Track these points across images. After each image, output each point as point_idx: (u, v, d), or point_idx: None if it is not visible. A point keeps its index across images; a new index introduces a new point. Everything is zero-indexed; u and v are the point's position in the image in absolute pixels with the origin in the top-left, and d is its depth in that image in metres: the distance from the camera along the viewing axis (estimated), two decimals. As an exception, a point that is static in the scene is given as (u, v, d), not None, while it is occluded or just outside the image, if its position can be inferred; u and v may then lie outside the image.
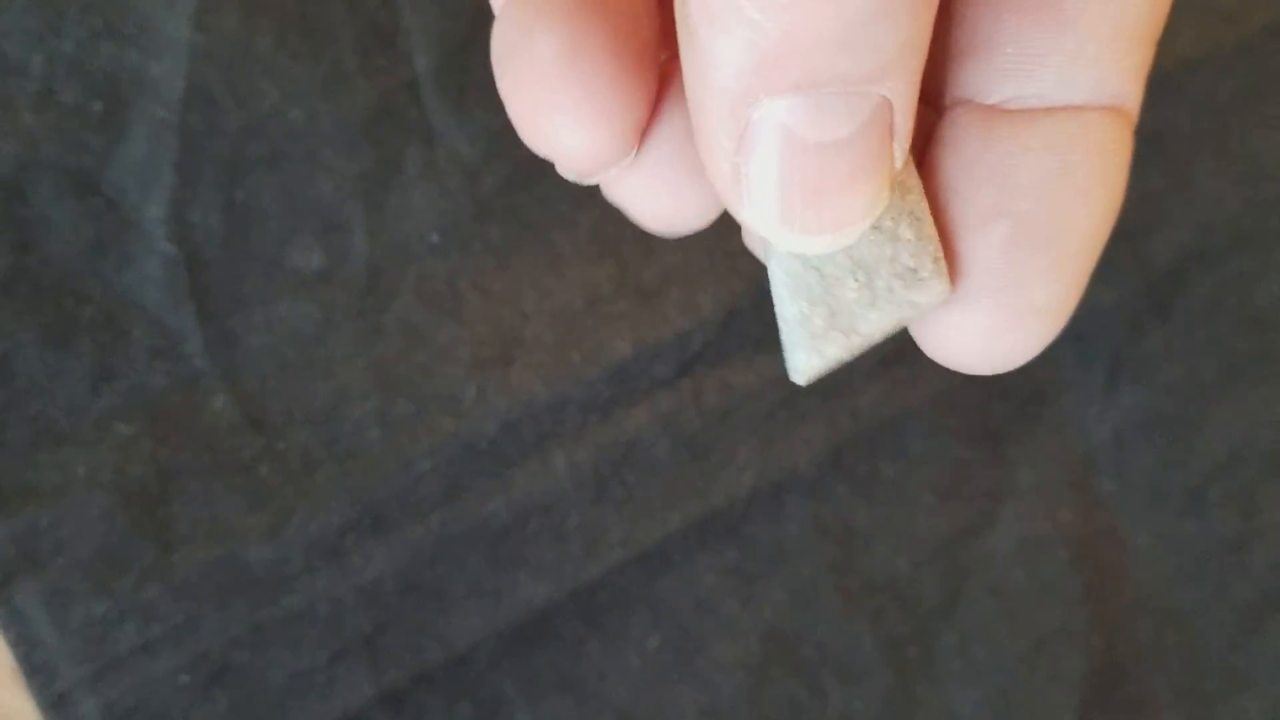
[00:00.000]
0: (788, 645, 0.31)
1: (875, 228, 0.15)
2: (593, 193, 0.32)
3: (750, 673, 0.31)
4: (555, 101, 0.15)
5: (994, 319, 0.16)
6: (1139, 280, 0.33)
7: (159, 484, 0.29)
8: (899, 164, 0.15)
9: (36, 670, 0.28)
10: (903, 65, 0.14)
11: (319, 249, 0.30)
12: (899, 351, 0.29)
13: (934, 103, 0.17)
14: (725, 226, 0.18)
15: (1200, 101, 0.34)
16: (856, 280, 0.15)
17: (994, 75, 0.16)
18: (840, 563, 0.32)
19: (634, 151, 0.16)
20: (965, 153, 0.16)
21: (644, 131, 0.16)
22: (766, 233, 0.15)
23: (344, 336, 0.30)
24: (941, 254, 0.16)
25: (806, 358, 0.15)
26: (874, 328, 0.15)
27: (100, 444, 0.29)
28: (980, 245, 0.16)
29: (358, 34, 0.30)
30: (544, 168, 0.33)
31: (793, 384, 0.17)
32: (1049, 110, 0.16)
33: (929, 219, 0.16)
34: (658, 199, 0.17)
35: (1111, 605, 0.33)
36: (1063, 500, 0.33)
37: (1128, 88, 0.16)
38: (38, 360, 0.29)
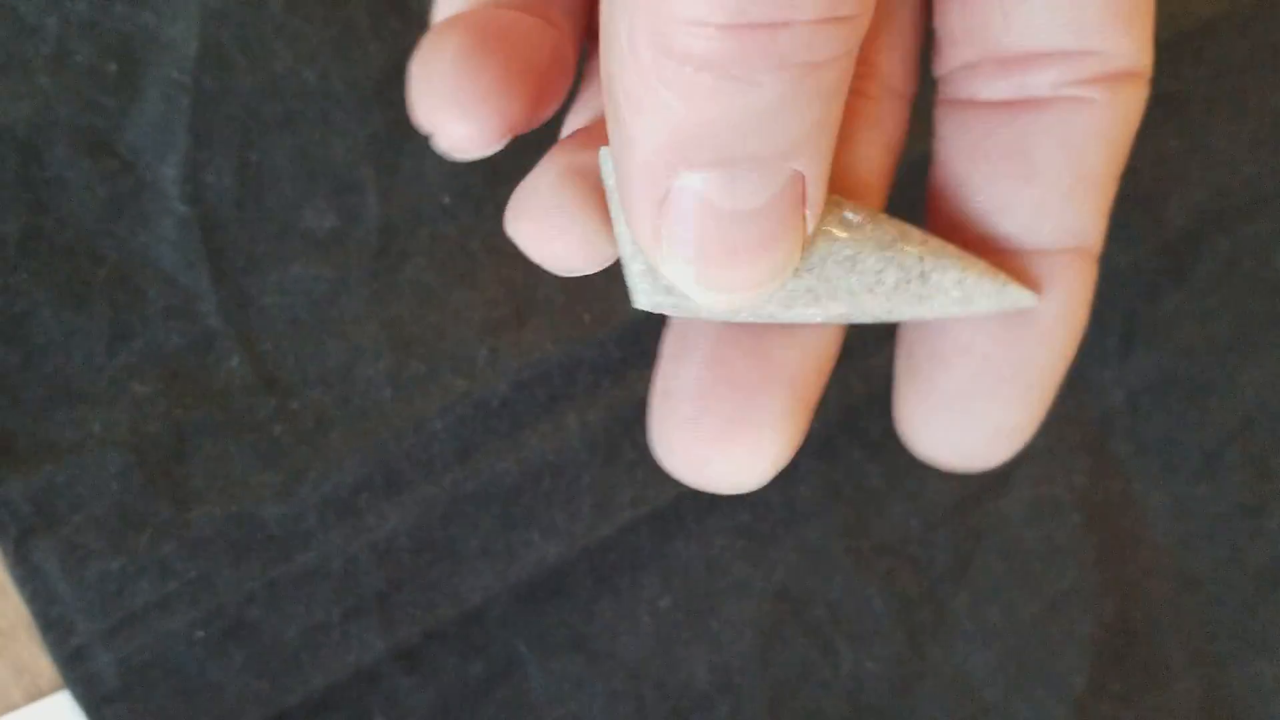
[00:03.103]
0: (799, 606, 0.31)
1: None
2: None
3: (761, 633, 0.31)
4: (442, 92, 0.17)
5: (972, 440, 0.18)
6: (1155, 242, 0.33)
7: (174, 442, 0.29)
8: (810, 230, 0.16)
9: (52, 625, 0.28)
10: (813, 144, 0.14)
11: (332, 210, 0.30)
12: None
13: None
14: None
15: (1217, 62, 0.33)
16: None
17: (966, 219, 0.18)
18: (852, 524, 0.32)
19: (498, 146, 0.18)
20: None
21: (512, 133, 0.18)
22: (684, 289, 0.16)
23: (357, 297, 0.30)
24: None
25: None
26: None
27: (116, 402, 0.29)
28: (956, 376, 0.18)
29: (370, -5, 0.30)
30: (556, 130, 0.33)
31: None
32: (1016, 253, 0.18)
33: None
34: (550, 245, 0.18)
35: (1125, 569, 0.33)
36: (1076, 463, 0.33)
37: (1090, 228, 0.18)
38: (54, 320, 0.29)
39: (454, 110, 0.17)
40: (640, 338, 0.31)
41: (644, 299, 0.17)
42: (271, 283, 0.30)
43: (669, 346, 0.18)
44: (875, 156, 0.18)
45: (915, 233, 0.18)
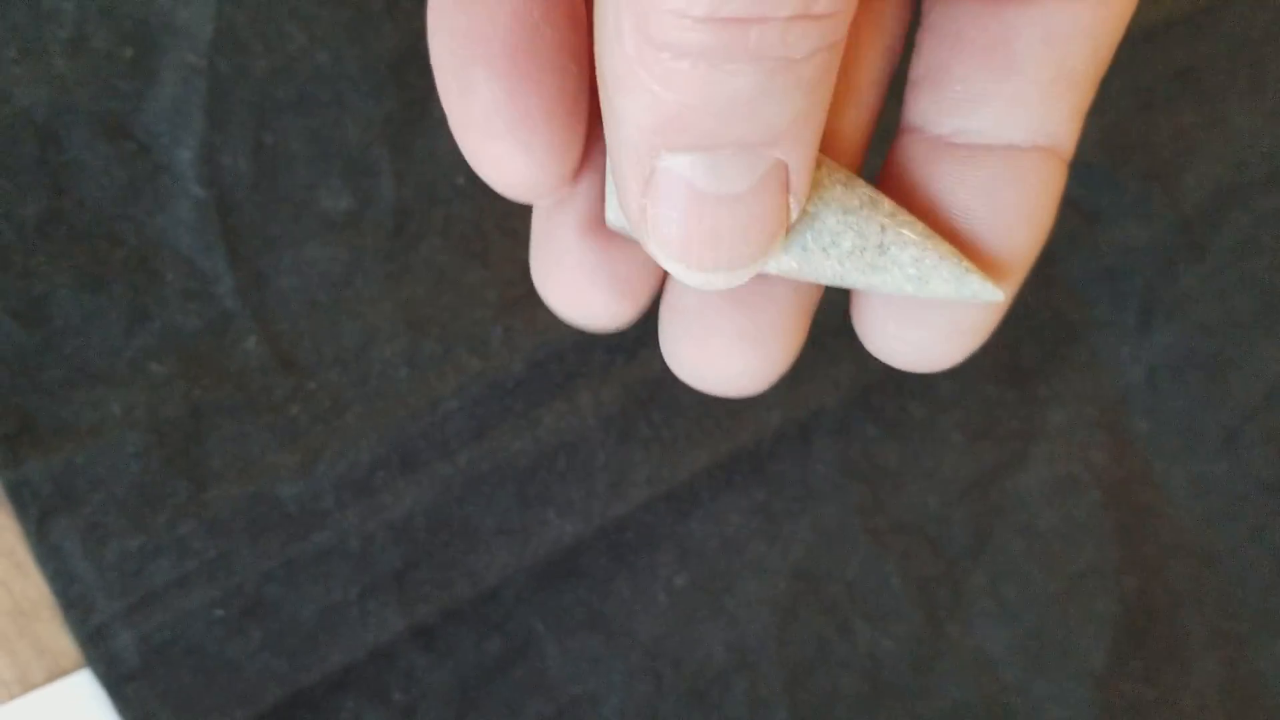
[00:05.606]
0: (815, 585, 0.31)
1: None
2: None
3: (778, 612, 0.31)
4: (500, 150, 0.16)
5: (932, 335, 0.18)
6: (1173, 217, 0.33)
7: (192, 423, 0.29)
8: (794, 217, 0.16)
9: (73, 604, 0.28)
10: (796, 134, 0.15)
11: (347, 191, 0.30)
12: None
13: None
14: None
15: (1234, 34, 0.33)
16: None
17: (942, 108, 0.18)
18: (868, 502, 0.32)
19: (570, 184, 0.17)
20: (909, 182, 0.18)
21: (579, 167, 0.17)
22: (668, 267, 0.16)
23: (372, 278, 0.30)
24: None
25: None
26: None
27: (135, 384, 0.29)
28: None
29: (383, -23, 0.30)
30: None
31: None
32: (988, 149, 0.17)
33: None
34: (588, 305, 0.18)
35: (1145, 547, 0.32)
36: (1094, 441, 0.33)
37: (1063, 129, 0.17)
38: (73, 302, 0.29)
39: (518, 160, 0.16)
40: (654, 316, 0.31)
41: (613, 217, 0.17)
42: (287, 264, 0.30)
43: None
44: (854, 118, 0.18)
45: (886, 204, 0.17)
